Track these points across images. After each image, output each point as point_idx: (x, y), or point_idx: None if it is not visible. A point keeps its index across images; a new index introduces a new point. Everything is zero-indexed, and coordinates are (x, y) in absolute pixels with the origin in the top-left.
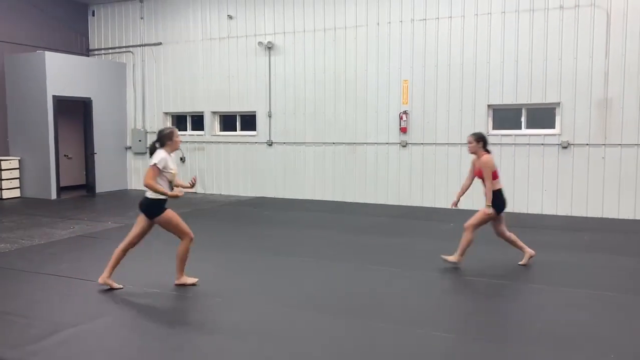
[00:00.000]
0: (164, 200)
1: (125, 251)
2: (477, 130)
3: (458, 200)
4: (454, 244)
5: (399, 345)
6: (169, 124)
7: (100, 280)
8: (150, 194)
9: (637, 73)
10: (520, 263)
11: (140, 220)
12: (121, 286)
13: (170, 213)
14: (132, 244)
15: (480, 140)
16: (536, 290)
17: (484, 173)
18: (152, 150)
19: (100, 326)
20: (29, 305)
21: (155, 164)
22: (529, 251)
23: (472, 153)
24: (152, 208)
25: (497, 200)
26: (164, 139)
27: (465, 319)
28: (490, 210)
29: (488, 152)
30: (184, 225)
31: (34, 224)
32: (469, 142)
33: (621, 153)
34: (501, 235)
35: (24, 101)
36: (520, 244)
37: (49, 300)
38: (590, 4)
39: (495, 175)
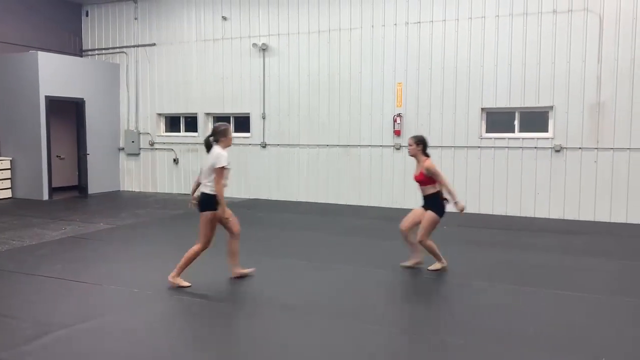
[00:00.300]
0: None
1: (235, 247)
2: (418, 134)
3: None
4: (448, 246)
5: (382, 346)
6: (162, 125)
7: (233, 274)
8: (209, 190)
9: (629, 77)
10: (404, 264)
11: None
12: (250, 271)
13: (215, 215)
14: (236, 237)
15: (420, 144)
16: (528, 292)
17: (437, 177)
18: (208, 145)
19: (93, 327)
20: (21, 306)
21: (224, 167)
22: (419, 257)
23: (412, 156)
24: (207, 203)
25: (440, 203)
26: (218, 135)
27: (456, 320)
28: (461, 206)
29: (427, 155)
30: (212, 234)
31: (25, 224)
32: (409, 145)
33: (613, 157)
34: (406, 235)
35: (17, 101)
36: (418, 250)
37: (41, 301)
38: (583, 8)
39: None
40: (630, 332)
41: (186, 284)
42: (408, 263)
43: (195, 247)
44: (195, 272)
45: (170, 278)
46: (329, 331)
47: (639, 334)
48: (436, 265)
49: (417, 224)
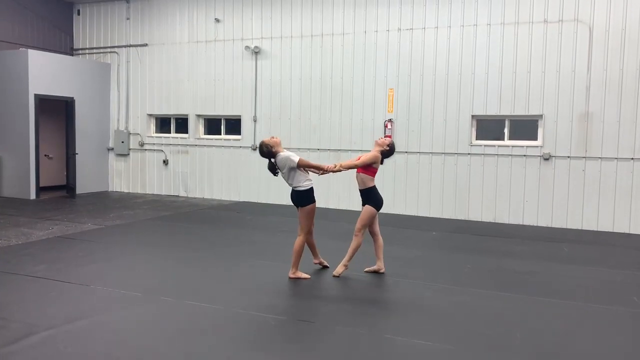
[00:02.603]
0: (312, 192)
1: (305, 243)
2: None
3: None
4: (437, 251)
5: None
6: (152, 126)
7: (291, 275)
8: (300, 187)
9: (617, 87)
10: (366, 269)
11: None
12: (308, 276)
13: (314, 207)
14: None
15: (389, 146)
16: (514, 300)
17: (367, 158)
18: (272, 169)
19: (80, 328)
20: (4, 306)
21: (298, 161)
22: (381, 265)
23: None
24: (303, 198)
25: (378, 197)
26: (273, 150)
27: (441, 326)
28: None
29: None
30: (312, 223)
31: (12, 224)
32: (383, 141)
33: (601, 166)
34: (374, 234)
35: (5, 99)
36: (381, 253)
37: (27, 301)
38: (573, 19)
39: (373, 173)
40: (612, 340)
41: (306, 275)
42: (370, 268)
43: (300, 239)
44: (180, 275)
45: (290, 275)
46: (316, 335)
47: (621, 342)
48: (339, 270)
49: (374, 221)
